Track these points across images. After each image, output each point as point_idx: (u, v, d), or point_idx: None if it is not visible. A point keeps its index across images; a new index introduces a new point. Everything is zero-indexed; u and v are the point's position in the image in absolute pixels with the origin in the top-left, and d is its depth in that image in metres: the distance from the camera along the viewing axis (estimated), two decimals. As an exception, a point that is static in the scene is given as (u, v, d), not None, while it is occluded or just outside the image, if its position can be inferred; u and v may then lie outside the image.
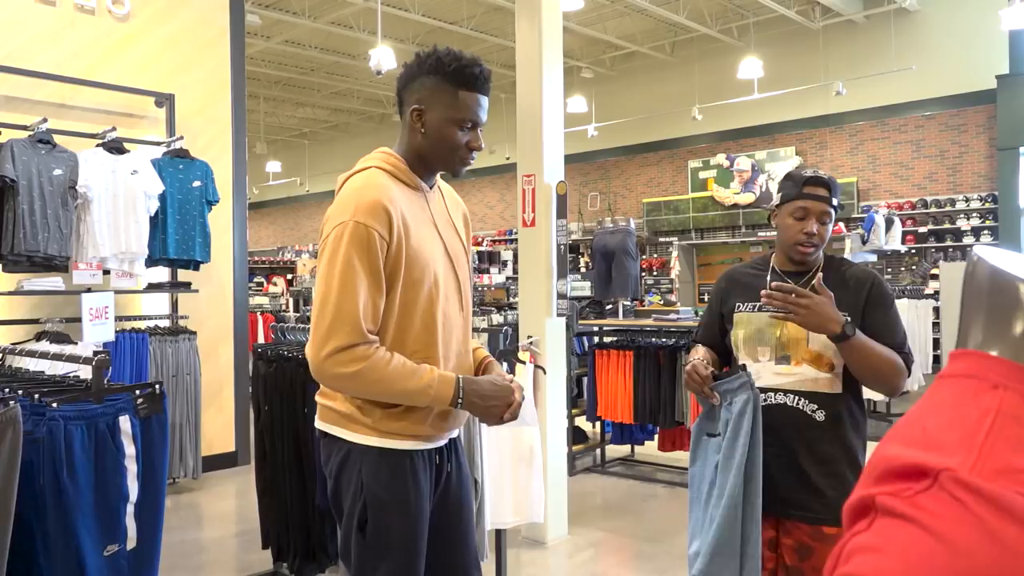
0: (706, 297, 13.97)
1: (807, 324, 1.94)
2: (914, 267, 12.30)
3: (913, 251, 12.22)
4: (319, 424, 1.87)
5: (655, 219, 15.18)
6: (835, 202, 2.08)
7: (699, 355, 2.21)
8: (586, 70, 15.15)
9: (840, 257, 2.26)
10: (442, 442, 1.90)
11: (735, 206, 14.28)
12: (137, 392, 2.13)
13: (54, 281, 4.79)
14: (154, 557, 2.14)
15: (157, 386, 2.15)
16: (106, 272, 4.92)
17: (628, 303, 7.82)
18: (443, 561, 1.91)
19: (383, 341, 1.76)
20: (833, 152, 13.45)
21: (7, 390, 2.00)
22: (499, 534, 3.33)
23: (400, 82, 1.85)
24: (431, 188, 1.92)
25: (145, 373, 5.01)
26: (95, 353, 2.08)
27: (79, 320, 4.70)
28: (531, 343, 3.19)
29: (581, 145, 15.55)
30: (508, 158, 16.97)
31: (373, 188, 1.75)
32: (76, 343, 4.61)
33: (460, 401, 1.76)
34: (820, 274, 2.03)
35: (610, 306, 7.51)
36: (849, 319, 1.93)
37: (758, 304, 2.11)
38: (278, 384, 3.48)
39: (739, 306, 2.18)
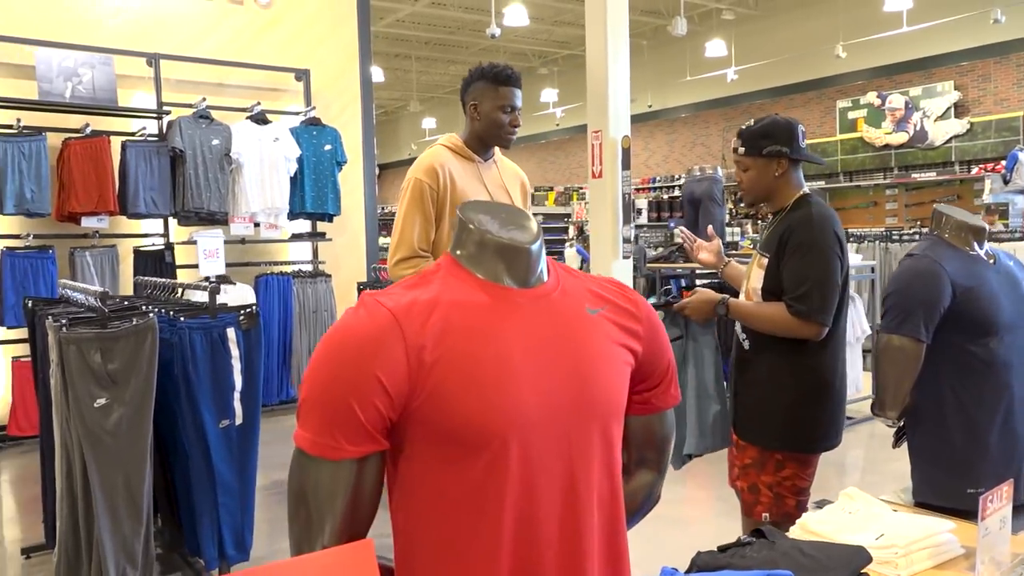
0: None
1: (696, 314, 2.34)
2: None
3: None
4: None
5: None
6: (741, 149, 2.29)
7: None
8: (727, 11, 14.83)
9: (808, 199, 2.29)
10: None
11: (887, 147, 13.62)
12: (240, 312, 2.88)
13: (216, 232, 5.81)
14: (255, 431, 2.90)
15: (253, 307, 2.89)
16: (256, 225, 5.90)
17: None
18: None
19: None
20: (998, 85, 12.47)
21: (151, 307, 2.81)
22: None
23: (461, 90, 2.66)
24: (486, 161, 2.71)
25: (291, 309, 5.98)
26: (211, 282, 2.84)
27: (235, 264, 5.68)
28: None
29: (722, 90, 15.31)
30: (650, 106, 17.01)
31: (431, 156, 2.63)
32: (234, 283, 5.62)
33: None
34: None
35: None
36: (726, 299, 2.28)
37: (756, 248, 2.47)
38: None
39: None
